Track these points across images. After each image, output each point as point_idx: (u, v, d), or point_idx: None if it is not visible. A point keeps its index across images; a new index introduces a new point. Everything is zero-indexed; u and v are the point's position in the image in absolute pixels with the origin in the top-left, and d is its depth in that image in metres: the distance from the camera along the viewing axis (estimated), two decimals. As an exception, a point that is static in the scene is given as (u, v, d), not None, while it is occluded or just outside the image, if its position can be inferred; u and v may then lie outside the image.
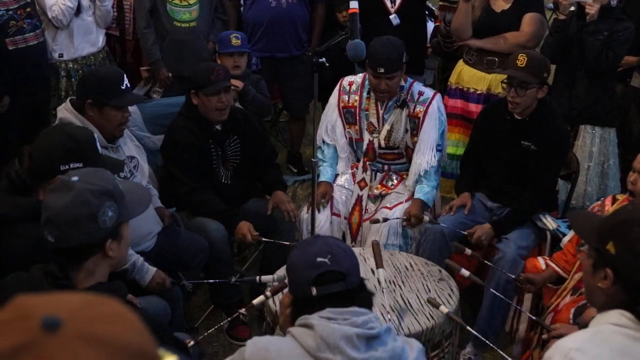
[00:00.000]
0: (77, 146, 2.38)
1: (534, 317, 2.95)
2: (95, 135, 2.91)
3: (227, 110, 3.48)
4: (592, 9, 3.83)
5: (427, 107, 3.64)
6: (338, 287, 1.71)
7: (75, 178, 1.83)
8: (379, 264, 2.73)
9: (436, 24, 5.21)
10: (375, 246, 2.82)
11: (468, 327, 2.66)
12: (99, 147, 2.51)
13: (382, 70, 3.49)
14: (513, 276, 3.11)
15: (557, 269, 3.02)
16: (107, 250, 1.87)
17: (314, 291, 1.70)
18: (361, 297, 1.75)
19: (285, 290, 1.87)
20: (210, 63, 3.68)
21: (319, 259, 1.71)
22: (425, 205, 3.60)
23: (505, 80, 3.37)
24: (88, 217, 1.80)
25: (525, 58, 3.30)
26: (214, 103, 3.43)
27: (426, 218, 3.37)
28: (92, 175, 1.88)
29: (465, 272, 2.84)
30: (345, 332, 1.63)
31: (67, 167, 2.33)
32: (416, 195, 3.60)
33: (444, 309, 2.60)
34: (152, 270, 2.94)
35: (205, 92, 3.42)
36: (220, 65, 3.63)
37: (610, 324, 1.60)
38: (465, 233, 3.37)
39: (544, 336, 2.61)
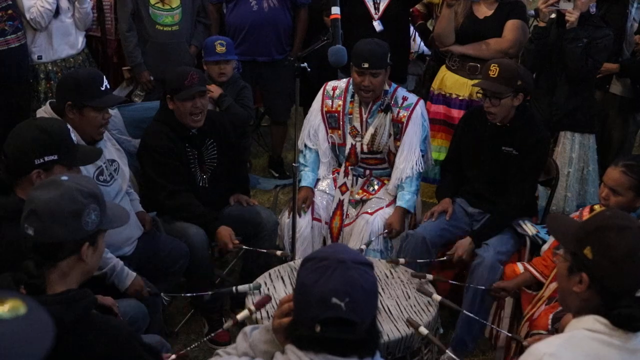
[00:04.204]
0: (50, 138, 2.37)
1: (509, 334, 2.97)
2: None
3: (202, 116, 3.45)
4: (571, 17, 3.86)
5: (411, 112, 3.65)
6: (344, 334, 1.56)
7: (64, 177, 1.86)
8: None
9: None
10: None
11: (447, 351, 2.62)
12: (74, 138, 2.49)
13: (366, 65, 3.48)
14: (483, 287, 3.13)
15: (534, 272, 3.03)
16: (83, 255, 1.86)
17: (318, 329, 1.55)
18: (366, 346, 1.60)
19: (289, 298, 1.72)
20: (185, 67, 3.61)
21: (334, 300, 1.53)
22: (407, 212, 3.61)
23: (480, 91, 3.39)
24: (73, 213, 1.81)
25: (497, 68, 3.31)
26: (189, 108, 3.40)
27: (402, 260, 3.14)
28: (81, 178, 1.93)
29: (437, 297, 2.79)
30: None
31: (42, 160, 2.33)
32: (398, 203, 3.61)
33: (423, 330, 2.53)
34: (132, 275, 2.92)
35: (180, 97, 3.38)
36: (194, 70, 3.56)
37: (584, 329, 1.61)
38: (445, 258, 3.34)
39: (525, 343, 2.60)
